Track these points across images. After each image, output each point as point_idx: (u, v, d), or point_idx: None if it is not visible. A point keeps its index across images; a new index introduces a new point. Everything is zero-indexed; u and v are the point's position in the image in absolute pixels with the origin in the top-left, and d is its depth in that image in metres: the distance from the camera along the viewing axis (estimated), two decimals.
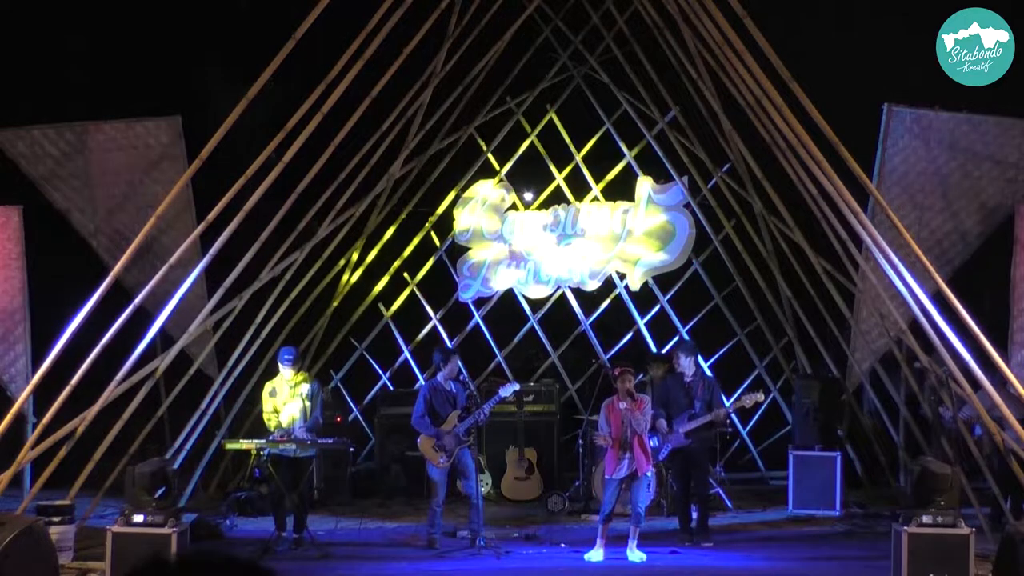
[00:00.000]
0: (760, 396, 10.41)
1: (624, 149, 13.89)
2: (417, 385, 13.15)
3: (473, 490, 9.73)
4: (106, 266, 10.59)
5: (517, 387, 10.26)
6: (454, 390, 9.94)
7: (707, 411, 10.02)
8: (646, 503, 9.59)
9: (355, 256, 13.63)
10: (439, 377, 10.01)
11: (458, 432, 9.76)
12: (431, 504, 9.84)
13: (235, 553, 1.87)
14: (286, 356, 9.95)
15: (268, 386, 10.00)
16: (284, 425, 9.79)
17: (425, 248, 14.12)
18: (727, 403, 10.68)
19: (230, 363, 11.75)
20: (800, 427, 12.02)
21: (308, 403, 9.87)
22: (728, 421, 12.37)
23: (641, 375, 12.37)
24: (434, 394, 9.91)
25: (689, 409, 10.04)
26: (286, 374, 9.90)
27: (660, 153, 13.69)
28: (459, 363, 10.33)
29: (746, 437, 13.80)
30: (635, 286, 13.61)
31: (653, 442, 9.90)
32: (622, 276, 13.69)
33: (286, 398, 9.86)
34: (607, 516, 9.35)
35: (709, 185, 13.57)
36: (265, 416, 9.96)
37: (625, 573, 9.02)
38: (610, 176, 13.94)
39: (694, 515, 10.17)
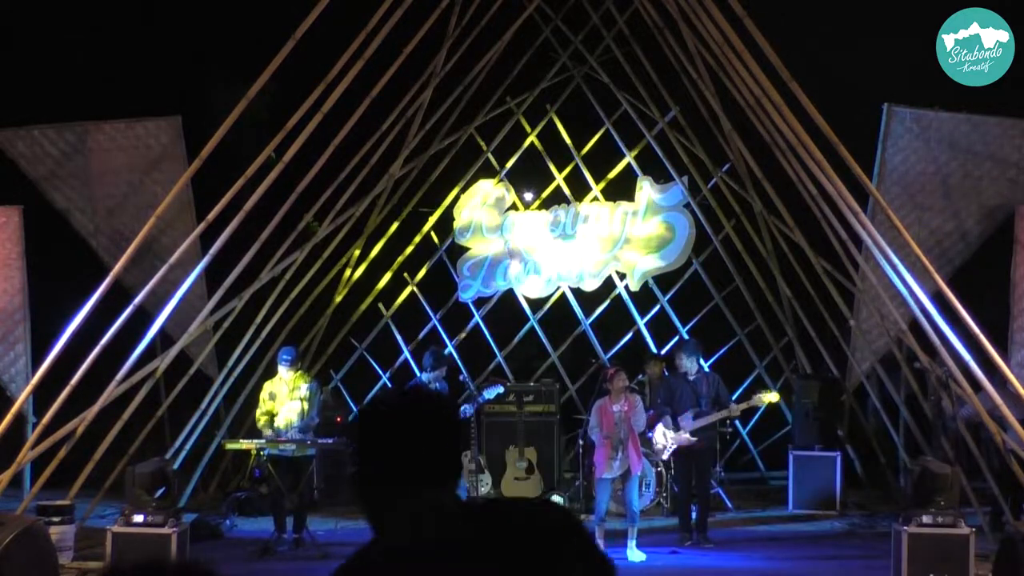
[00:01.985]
0: (774, 396, 10.40)
1: (624, 149, 13.89)
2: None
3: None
4: (106, 266, 10.58)
5: (501, 389, 10.39)
6: (439, 389, 10.00)
7: (714, 408, 9.99)
8: (641, 502, 9.61)
9: (355, 256, 13.63)
10: (424, 377, 10.07)
11: None
12: None
13: (190, 563, 2.24)
14: (285, 356, 9.96)
15: (266, 388, 10.00)
16: (279, 427, 9.79)
17: (425, 248, 14.12)
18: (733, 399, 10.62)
19: (230, 363, 11.75)
20: (800, 427, 12.02)
21: (306, 404, 9.87)
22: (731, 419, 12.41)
23: (640, 375, 12.37)
24: None
25: (695, 407, 10.02)
26: (285, 375, 9.91)
27: (660, 153, 13.68)
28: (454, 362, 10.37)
29: (746, 437, 13.79)
30: (635, 286, 13.61)
31: (655, 442, 9.95)
32: (622, 276, 13.69)
33: (284, 398, 9.86)
34: (602, 517, 9.37)
35: (709, 185, 13.56)
36: (259, 418, 9.94)
37: (625, 573, 9.00)
38: (610, 176, 13.93)
39: (694, 515, 10.18)
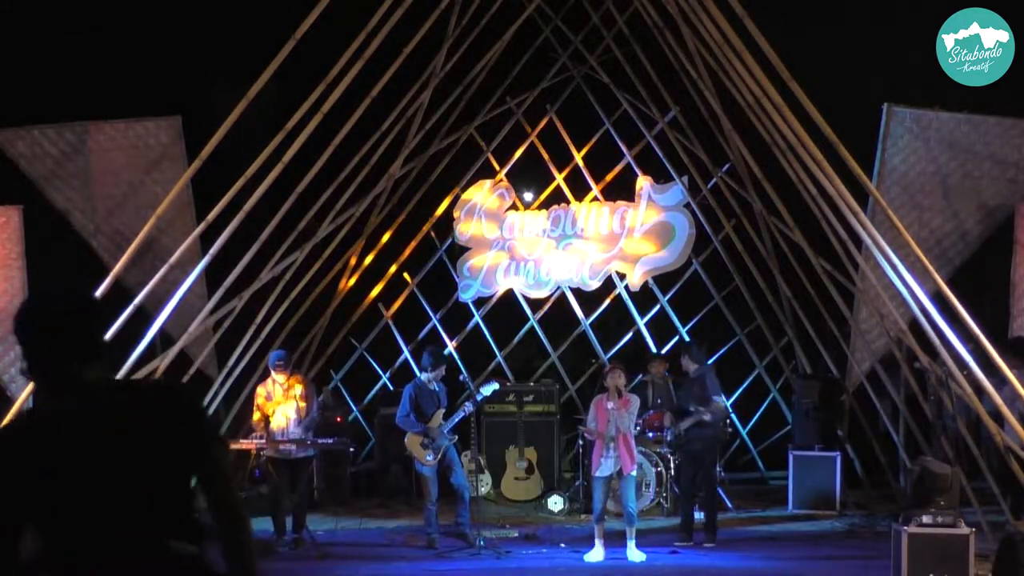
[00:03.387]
0: (706, 416, 10.15)
1: (624, 149, 13.89)
2: None
3: (459, 482, 9.81)
4: (106, 266, 10.58)
5: (496, 385, 10.43)
6: (437, 389, 10.02)
7: (699, 407, 10.06)
8: (637, 502, 9.61)
9: (355, 256, 13.62)
10: (423, 377, 10.07)
11: (443, 430, 9.83)
12: (425, 504, 9.88)
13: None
14: (277, 361, 9.93)
15: (261, 391, 9.99)
16: (274, 429, 9.78)
17: (425, 248, 14.12)
18: (718, 399, 10.47)
19: (230, 363, 11.74)
20: (800, 427, 12.02)
21: (302, 403, 9.86)
22: (727, 419, 12.39)
23: (641, 375, 12.38)
24: (419, 393, 9.97)
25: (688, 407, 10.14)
26: (278, 378, 9.90)
27: (660, 153, 13.69)
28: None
29: (746, 437, 13.80)
30: (635, 286, 13.62)
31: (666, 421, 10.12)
32: (622, 276, 13.70)
33: (279, 399, 9.85)
34: (599, 515, 9.37)
35: (709, 185, 13.56)
36: (256, 421, 9.92)
37: (625, 573, 9.03)
38: (610, 176, 13.94)
39: (696, 516, 10.20)
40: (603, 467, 9.32)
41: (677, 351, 11.77)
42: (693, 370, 10.27)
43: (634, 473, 9.45)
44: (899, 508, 8.84)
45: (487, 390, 10.18)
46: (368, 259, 13.78)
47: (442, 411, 9.96)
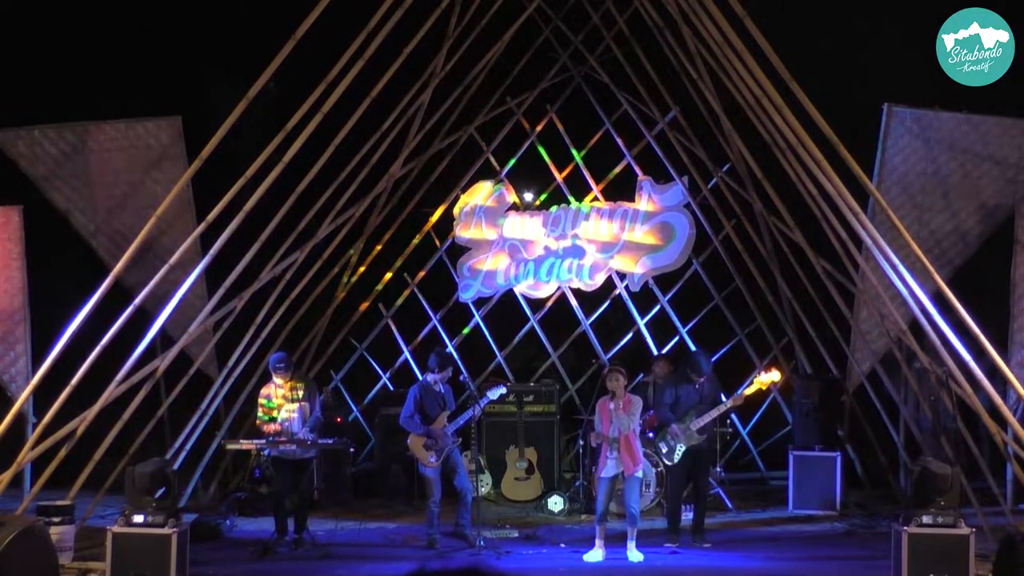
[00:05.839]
0: (776, 375, 10.42)
1: (624, 149, 13.89)
2: None
3: (463, 485, 9.80)
4: (106, 266, 10.58)
5: (503, 390, 10.42)
6: (443, 391, 10.00)
7: (712, 407, 9.98)
8: (640, 503, 9.59)
9: (355, 256, 13.62)
10: (429, 378, 10.06)
11: (447, 432, 9.82)
12: (428, 504, 9.87)
13: None
14: (278, 365, 9.90)
15: (264, 391, 9.98)
16: (279, 429, 9.77)
17: (425, 248, 14.12)
18: (733, 394, 10.51)
19: (230, 363, 11.74)
20: (800, 427, 12.02)
21: (306, 403, 9.86)
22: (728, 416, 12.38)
23: (641, 375, 12.37)
24: (424, 394, 9.96)
25: (697, 409, 10.02)
26: (278, 380, 9.89)
27: (660, 153, 13.69)
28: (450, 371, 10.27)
29: (746, 437, 13.80)
30: (635, 286, 13.62)
31: (664, 446, 9.97)
32: (622, 276, 13.70)
33: (281, 401, 9.84)
34: (601, 516, 9.38)
35: (709, 185, 13.57)
36: (259, 422, 9.91)
37: (625, 573, 9.03)
38: (610, 176, 13.94)
39: (688, 515, 10.19)
40: (607, 468, 9.34)
41: (677, 357, 11.65)
42: (702, 377, 10.13)
43: (639, 475, 9.43)
44: (899, 508, 8.83)
45: (494, 394, 10.16)
46: (368, 259, 13.78)
47: (446, 413, 9.95)
